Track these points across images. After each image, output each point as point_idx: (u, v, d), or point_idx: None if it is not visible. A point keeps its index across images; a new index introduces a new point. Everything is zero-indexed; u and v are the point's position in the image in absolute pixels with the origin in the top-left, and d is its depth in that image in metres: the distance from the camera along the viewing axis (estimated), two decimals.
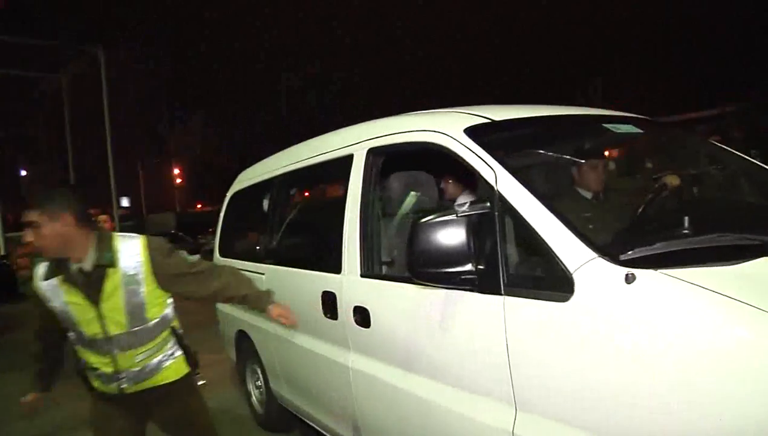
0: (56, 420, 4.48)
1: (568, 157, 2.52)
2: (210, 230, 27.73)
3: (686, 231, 1.68)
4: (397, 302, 2.27)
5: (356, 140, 2.68)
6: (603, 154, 3.01)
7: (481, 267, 1.83)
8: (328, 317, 2.73)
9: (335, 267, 2.67)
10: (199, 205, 45.89)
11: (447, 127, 2.15)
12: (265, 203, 3.84)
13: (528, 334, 1.72)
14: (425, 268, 1.85)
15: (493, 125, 2.18)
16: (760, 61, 17.55)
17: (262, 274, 3.58)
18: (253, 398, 4.24)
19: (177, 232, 23.47)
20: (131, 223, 23.99)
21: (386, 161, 2.58)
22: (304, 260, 3.20)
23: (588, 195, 2.78)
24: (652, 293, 1.45)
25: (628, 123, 2.52)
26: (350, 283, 2.55)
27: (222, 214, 4.71)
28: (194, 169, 45.12)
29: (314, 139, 3.27)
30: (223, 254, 4.55)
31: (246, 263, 3.97)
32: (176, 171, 45.70)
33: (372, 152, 2.55)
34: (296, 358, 3.19)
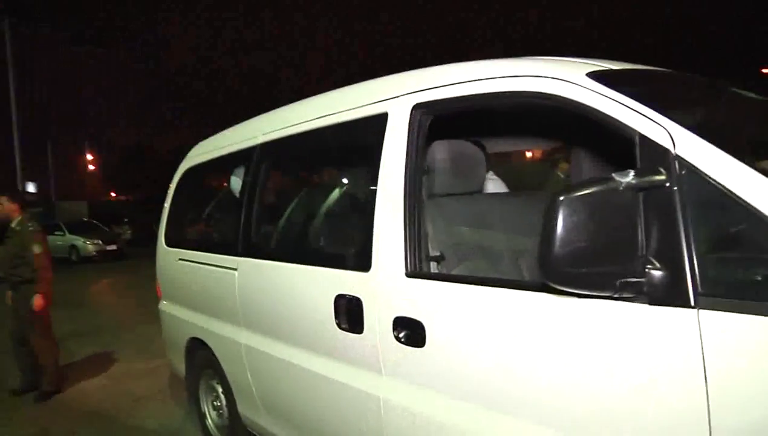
0: None
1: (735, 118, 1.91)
2: (126, 220, 25.59)
3: None
4: (482, 317, 1.55)
5: (393, 94, 1.93)
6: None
7: (655, 267, 1.18)
8: (345, 329, 1.98)
9: (359, 263, 1.92)
10: (113, 194, 42.42)
11: (566, 73, 1.47)
12: (236, 181, 2.98)
13: (745, 369, 1.09)
14: (572, 267, 1.18)
15: (626, 74, 1.54)
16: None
17: (233, 269, 2.74)
18: (209, 420, 3.35)
19: (90, 220, 21.18)
20: (39, 209, 21.39)
21: (432, 124, 1.86)
22: (304, 254, 2.40)
23: None
24: None
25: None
26: (388, 285, 1.81)
27: (169, 196, 3.75)
28: (111, 156, 41.58)
29: (316, 97, 2.47)
30: (171, 244, 3.61)
31: (206, 254, 3.09)
32: (90, 157, 41.89)
33: (419, 109, 1.83)
34: (286, 379, 2.39)
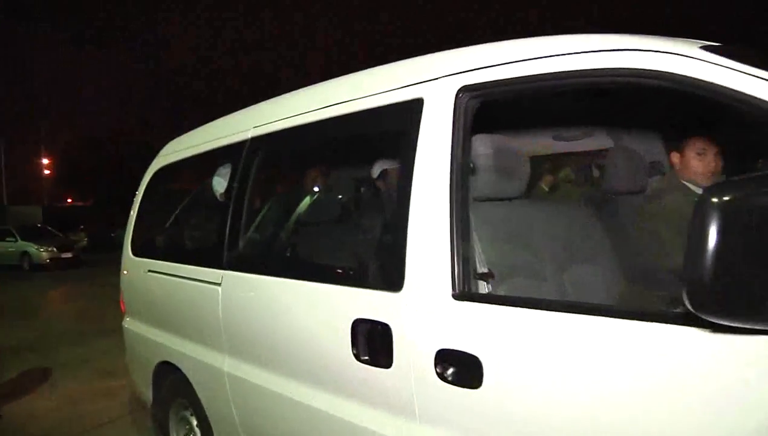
0: None
1: None
2: (81, 227, 24.17)
3: None
4: (575, 354, 1.19)
5: (431, 75, 1.56)
6: None
7: None
8: (365, 362, 1.58)
9: (387, 281, 1.54)
10: (69, 200, 40.30)
11: (678, 47, 1.14)
12: (219, 182, 2.55)
13: None
14: (733, 293, 0.84)
15: (745, 50, 1.22)
16: None
17: (216, 284, 2.30)
18: None
19: (44, 226, 19.89)
20: None
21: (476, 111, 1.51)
22: (311, 268, 1.99)
23: None
24: None
25: None
26: (428, 309, 1.43)
27: (138, 199, 3.26)
28: (68, 159, 39.56)
29: (325, 83, 2.07)
30: (139, 253, 3.12)
31: (182, 266, 2.64)
32: (45, 161, 39.76)
33: (467, 93, 1.47)
34: (281, 417, 1.96)
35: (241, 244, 2.25)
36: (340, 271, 1.80)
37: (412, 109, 1.59)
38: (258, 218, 2.32)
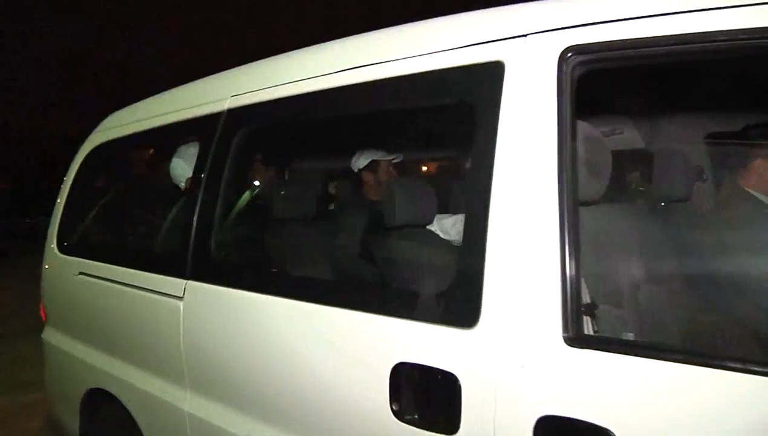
0: None
1: None
2: None
3: None
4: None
5: (519, 30, 1.12)
6: None
7: None
8: (414, 423, 1.11)
9: (451, 311, 1.08)
10: None
11: None
12: (180, 166, 1.98)
13: None
14: None
15: None
16: None
17: (176, 297, 1.74)
18: None
19: None
20: None
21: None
22: (324, 287, 1.49)
23: None
24: None
25: None
26: (522, 357, 0.98)
27: (67, 184, 2.59)
28: None
29: (344, 40, 1.54)
30: (68, 250, 2.46)
31: (127, 270, 2.04)
32: None
33: (576, 56, 1.04)
34: None
35: (213, 246, 1.70)
36: (373, 293, 1.32)
37: (483, 78, 1.14)
38: (237, 213, 1.78)
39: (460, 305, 1.07)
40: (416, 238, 1.76)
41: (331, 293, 1.36)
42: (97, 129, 2.52)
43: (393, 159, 2.52)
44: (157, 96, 2.27)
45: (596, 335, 0.96)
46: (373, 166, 2.47)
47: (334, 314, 1.28)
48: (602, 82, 1.06)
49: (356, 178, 2.48)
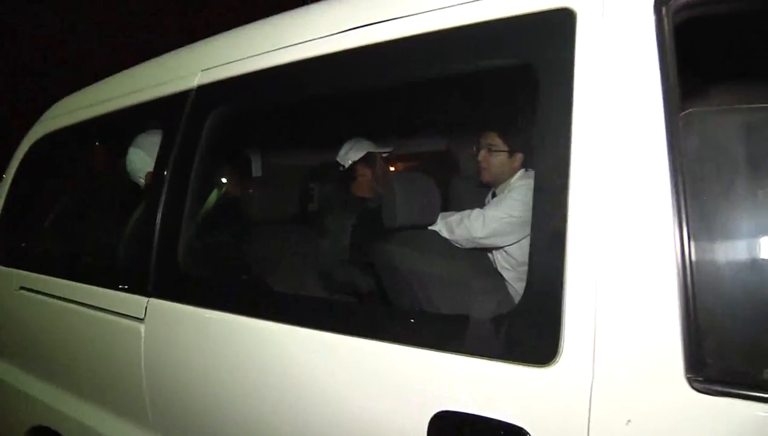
0: None
1: None
2: None
3: None
4: None
5: None
6: None
7: None
8: None
9: (516, 344, 0.78)
10: None
11: None
12: (139, 157, 1.64)
13: None
14: None
15: None
16: None
17: (137, 320, 1.40)
18: None
19: None
20: None
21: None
22: (330, 310, 1.17)
23: None
24: None
25: None
26: (630, 407, 0.69)
27: (5, 182, 2.19)
28: None
29: None
30: (5, 260, 2.05)
31: (77, 286, 1.68)
32: None
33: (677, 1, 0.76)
34: None
35: (181, 257, 1.36)
36: (398, 316, 1.01)
37: (541, 32, 0.85)
38: (211, 215, 1.44)
39: (528, 332, 0.78)
40: (429, 241, 1.47)
41: (338, 317, 1.04)
42: (41, 118, 2.13)
43: (387, 151, 2.23)
44: (112, 76, 1.91)
45: (735, 374, 0.68)
46: (369, 159, 2.16)
47: (347, 345, 0.96)
48: (715, 35, 0.78)
49: (349, 173, 2.16)
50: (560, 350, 0.75)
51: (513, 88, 0.90)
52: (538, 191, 0.80)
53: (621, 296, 0.73)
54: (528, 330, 0.78)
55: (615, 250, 0.73)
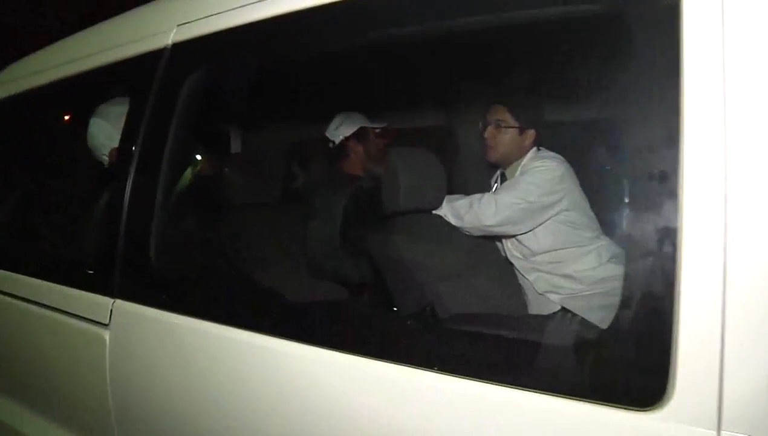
0: None
1: None
2: None
3: None
4: None
5: None
6: None
7: None
8: None
9: (610, 378, 0.59)
10: None
11: None
12: (104, 131, 1.39)
13: None
14: None
15: None
16: None
17: (102, 324, 1.17)
18: None
19: None
20: None
21: None
22: (323, 324, 0.95)
23: None
24: None
25: None
26: None
27: None
28: None
29: None
30: None
31: (31, 281, 1.43)
32: None
33: None
34: None
35: (152, 251, 1.13)
36: (459, 349, 0.79)
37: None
38: (188, 200, 1.21)
39: (628, 369, 0.58)
40: (437, 229, 1.27)
41: (340, 335, 0.83)
42: None
43: (380, 127, 2.02)
44: (71, 36, 1.63)
45: None
46: (361, 134, 1.94)
47: (366, 368, 0.75)
48: None
49: (340, 150, 1.94)
50: (670, 390, 0.55)
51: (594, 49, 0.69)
52: (662, 189, 0.59)
53: (747, 320, 0.53)
54: (627, 367, 0.58)
55: (747, 262, 0.53)
